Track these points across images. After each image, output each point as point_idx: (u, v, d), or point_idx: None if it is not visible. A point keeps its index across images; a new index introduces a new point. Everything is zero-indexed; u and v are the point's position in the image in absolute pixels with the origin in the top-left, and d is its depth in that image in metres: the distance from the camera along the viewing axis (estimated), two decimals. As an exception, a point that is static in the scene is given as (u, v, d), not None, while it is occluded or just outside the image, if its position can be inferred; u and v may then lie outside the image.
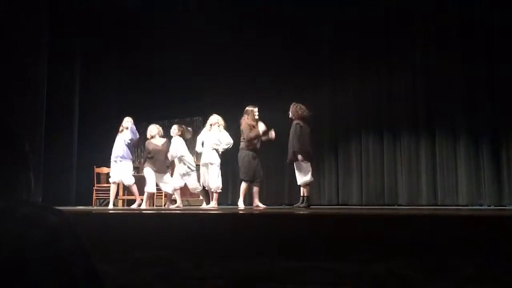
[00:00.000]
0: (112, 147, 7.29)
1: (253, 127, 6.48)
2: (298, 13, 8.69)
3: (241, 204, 6.50)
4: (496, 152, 7.33)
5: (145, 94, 9.55)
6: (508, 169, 7.23)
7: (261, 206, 6.44)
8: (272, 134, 6.54)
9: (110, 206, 7.31)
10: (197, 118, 9.16)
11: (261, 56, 8.82)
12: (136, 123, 7.44)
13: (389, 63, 8.18)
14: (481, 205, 7.30)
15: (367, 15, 8.31)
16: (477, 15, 7.61)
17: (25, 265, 0.89)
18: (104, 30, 9.36)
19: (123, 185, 7.78)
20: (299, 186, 6.43)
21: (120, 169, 7.24)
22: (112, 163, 7.28)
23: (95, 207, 8.16)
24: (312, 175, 6.40)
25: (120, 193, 8.68)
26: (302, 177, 6.26)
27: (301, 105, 6.42)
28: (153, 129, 7.26)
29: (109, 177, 7.47)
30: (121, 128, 7.32)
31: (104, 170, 8.55)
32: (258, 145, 6.53)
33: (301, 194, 6.39)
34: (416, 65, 8.03)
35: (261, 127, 6.47)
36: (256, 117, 6.60)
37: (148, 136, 7.29)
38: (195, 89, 9.31)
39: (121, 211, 6.32)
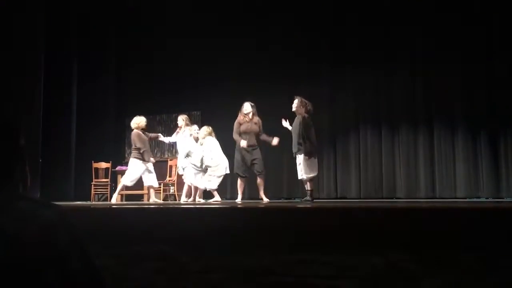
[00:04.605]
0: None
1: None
2: (297, 9, 8.66)
3: (265, 199, 6.50)
4: (493, 145, 7.36)
5: (142, 88, 9.53)
6: (505, 162, 7.27)
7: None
8: (275, 141, 6.54)
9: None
10: (195, 112, 9.13)
11: (260, 50, 8.80)
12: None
13: (388, 57, 8.17)
14: (479, 197, 7.34)
15: (366, 10, 8.28)
16: (477, 11, 7.61)
17: (22, 260, 0.89)
18: (103, 25, 9.32)
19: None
20: (301, 180, 6.39)
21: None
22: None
23: (93, 202, 8.14)
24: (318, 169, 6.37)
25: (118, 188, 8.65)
26: (309, 172, 6.19)
27: (305, 99, 6.33)
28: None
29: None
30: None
31: (102, 165, 8.53)
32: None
33: (307, 188, 6.34)
34: (415, 59, 8.03)
35: (275, 141, 6.50)
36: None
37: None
38: (193, 84, 9.29)
39: (121, 206, 6.32)
